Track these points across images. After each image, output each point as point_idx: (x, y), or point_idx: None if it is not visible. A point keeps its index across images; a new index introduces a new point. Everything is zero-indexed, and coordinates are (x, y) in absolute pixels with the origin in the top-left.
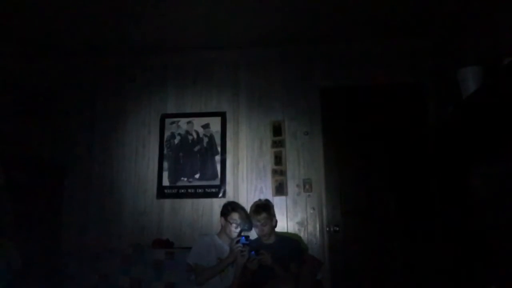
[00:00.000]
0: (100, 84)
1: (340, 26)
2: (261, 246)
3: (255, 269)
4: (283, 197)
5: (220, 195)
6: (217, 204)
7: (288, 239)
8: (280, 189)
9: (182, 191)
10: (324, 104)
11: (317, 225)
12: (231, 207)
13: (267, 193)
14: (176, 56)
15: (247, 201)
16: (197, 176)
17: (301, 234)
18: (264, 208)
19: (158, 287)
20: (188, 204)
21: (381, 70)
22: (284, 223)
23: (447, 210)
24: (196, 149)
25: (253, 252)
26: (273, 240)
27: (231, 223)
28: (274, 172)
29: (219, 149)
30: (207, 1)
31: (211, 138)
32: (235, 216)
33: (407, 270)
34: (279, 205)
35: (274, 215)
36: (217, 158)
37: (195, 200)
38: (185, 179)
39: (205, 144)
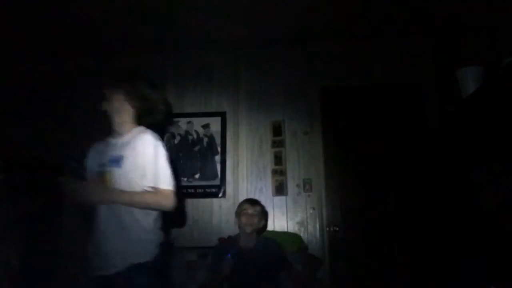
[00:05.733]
0: (100, 84)
1: (340, 26)
2: (240, 249)
3: (228, 274)
4: (283, 197)
5: (220, 195)
6: (217, 204)
7: (268, 241)
8: (280, 189)
9: (182, 191)
10: (324, 104)
11: (317, 225)
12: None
13: (267, 193)
14: (176, 56)
15: None
16: (197, 176)
17: (301, 234)
18: (259, 203)
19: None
20: (188, 204)
21: (381, 70)
22: (284, 223)
23: (447, 210)
24: (196, 149)
25: (228, 254)
26: (253, 243)
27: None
28: (274, 172)
29: (219, 149)
30: (207, 1)
31: (211, 138)
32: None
33: (407, 270)
34: (279, 205)
35: (264, 218)
36: (217, 158)
37: (195, 200)
38: (185, 179)
39: (205, 144)
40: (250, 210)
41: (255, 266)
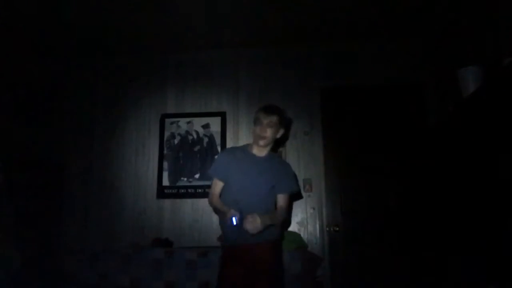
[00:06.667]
0: (100, 84)
1: (340, 26)
2: (249, 157)
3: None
4: None
5: None
6: None
7: (281, 159)
8: None
9: (182, 191)
10: (324, 104)
11: (317, 225)
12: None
13: None
14: (176, 56)
15: None
16: (197, 176)
17: (301, 234)
18: (277, 110)
19: (158, 286)
20: (188, 204)
21: (381, 70)
22: None
23: (447, 210)
24: (196, 149)
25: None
26: (264, 154)
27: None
28: None
29: (219, 149)
30: (207, 1)
31: (211, 138)
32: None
33: (407, 270)
34: None
35: (283, 127)
36: None
37: (195, 200)
38: (185, 179)
39: (205, 144)
40: (265, 120)
41: (262, 176)
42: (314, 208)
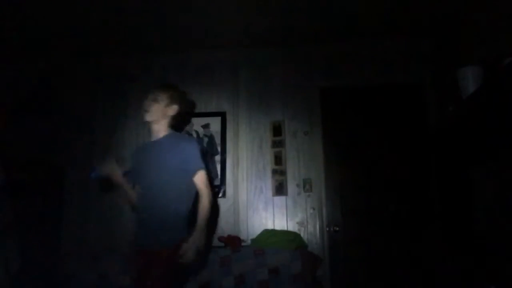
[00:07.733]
0: (100, 84)
1: (340, 26)
2: (149, 144)
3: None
4: (283, 197)
5: (220, 195)
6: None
7: (187, 137)
8: (280, 189)
9: None
10: (324, 104)
11: (317, 225)
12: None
13: (267, 193)
14: (176, 56)
15: (247, 201)
16: None
17: (301, 234)
18: (166, 86)
19: None
20: None
21: (381, 70)
22: (284, 223)
23: (447, 210)
24: None
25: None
26: (162, 134)
27: None
28: (274, 172)
29: (219, 149)
30: (207, 1)
31: (211, 138)
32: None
33: (407, 270)
34: (279, 205)
35: (177, 103)
36: (217, 158)
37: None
38: None
39: (205, 144)
40: (151, 95)
41: (163, 156)
42: (314, 208)
